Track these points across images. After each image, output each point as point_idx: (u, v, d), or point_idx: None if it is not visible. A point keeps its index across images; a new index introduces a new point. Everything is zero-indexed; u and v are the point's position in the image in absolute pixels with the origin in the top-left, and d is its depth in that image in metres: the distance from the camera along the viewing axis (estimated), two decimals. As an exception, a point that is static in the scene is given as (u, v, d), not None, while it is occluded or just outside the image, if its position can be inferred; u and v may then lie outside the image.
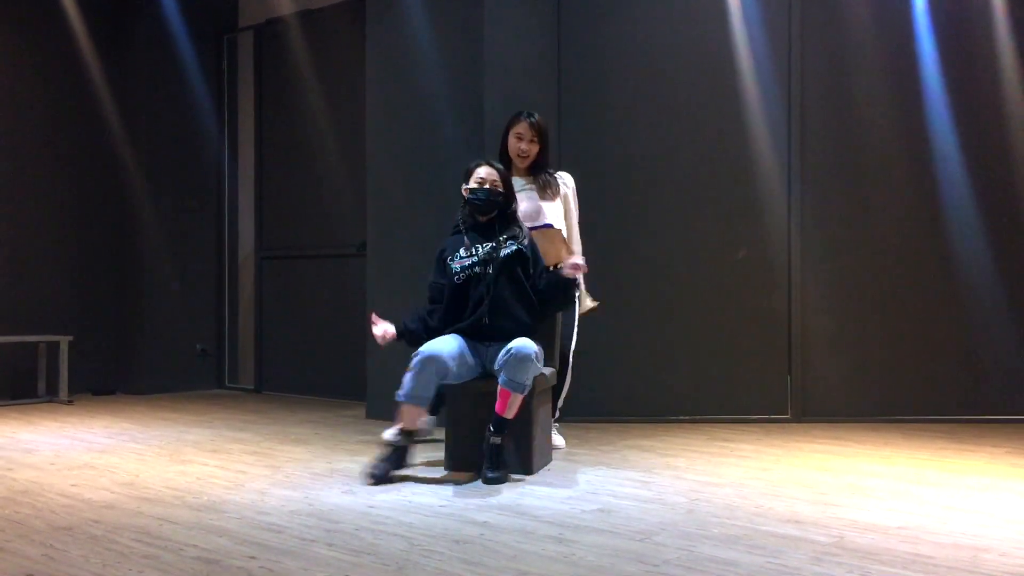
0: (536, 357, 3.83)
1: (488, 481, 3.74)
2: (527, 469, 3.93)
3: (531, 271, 4.07)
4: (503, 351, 3.84)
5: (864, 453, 4.43)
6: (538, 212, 4.44)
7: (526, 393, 3.84)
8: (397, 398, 3.88)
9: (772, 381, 5.46)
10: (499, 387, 3.83)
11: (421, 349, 3.86)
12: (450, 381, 3.96)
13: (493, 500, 3.46)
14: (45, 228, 6.78)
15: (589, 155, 5.50)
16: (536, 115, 4.53)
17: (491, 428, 3.83)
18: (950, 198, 5.41)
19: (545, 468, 4.07)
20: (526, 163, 4.52)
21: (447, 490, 3.64)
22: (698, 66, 5.52)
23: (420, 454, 4.44)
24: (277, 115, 7.13)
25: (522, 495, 3.55)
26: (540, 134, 4.50)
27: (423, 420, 4.81)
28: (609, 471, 4.01)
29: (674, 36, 5.54)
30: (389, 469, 3.80)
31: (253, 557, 2.72)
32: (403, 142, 5.56)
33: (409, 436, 3.89)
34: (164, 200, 7.07)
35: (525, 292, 4.03)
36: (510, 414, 3.84)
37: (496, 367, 3.87)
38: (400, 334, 4.08)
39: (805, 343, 5.44)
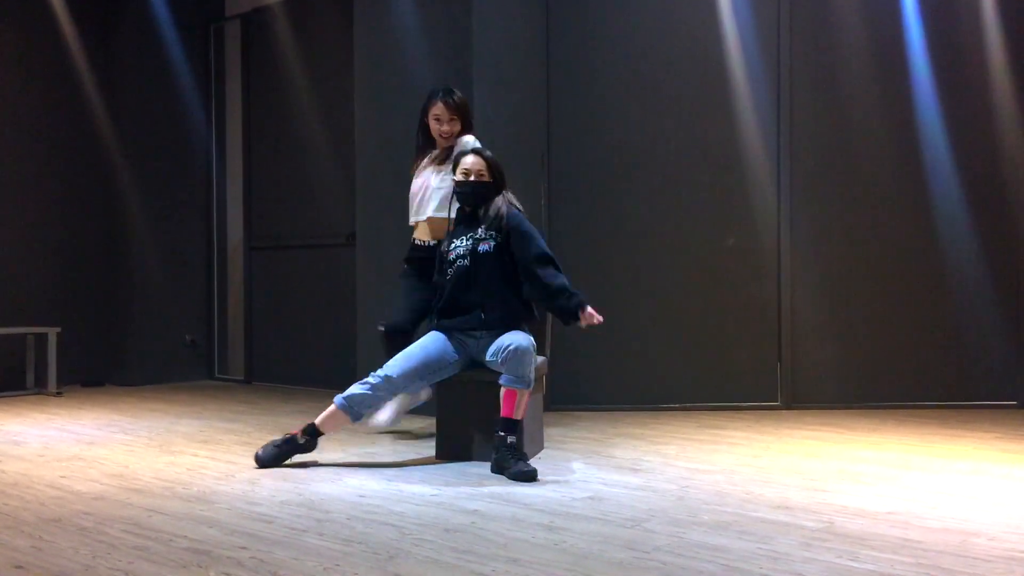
0: (533, 347, 3.79)
1: (518, 476, 3.57)
2: (518, 458, 3.93)
3: (521, 251, 3.92)
4: (495, 349, 3.81)
5: (854, 439, 4.45)
6: (427, 191, 4.32)
7: (531, 388, 3.79)
8: (334, 399, 3.90)
9: (762, 368, 5.47)
10: (503, 388, 3.74)
11: (381, 372, 3.87)
12: (426, 382, 3.98)
13: (484, 489, 3.46)
14: (32, 219, 6.73)
15: (578, 143, 5.49)
16: (454, 92, 4.33)
17: (501, 432, 3.70)
18: (937, 186, 5.43)
19: (536, 456, 4.07)
20: (451, 142, 4.34)
21: (438, 479, 3.63)
22: (687, 55, 5.51)
23: (412, 445, 4.44)
24: (265, 105, 7.10)
25: (512, 483, 3.55)
26: (458, 111, 4.31)
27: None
28: (599, 459, 4.02)
29: (663, 24, 5.52)
30: (279, 456, 3.87)
31: (244, 547, 2.71)
32: (392, 131, 5.53)
33: (315, 434, 3.91)
34: (152, 190, 7.03)
35: (512, 278, 3.96)
36: (519, 414, 3.76)
37: (492, 362, 3.84)
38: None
39: (795, 330, 5.45)
